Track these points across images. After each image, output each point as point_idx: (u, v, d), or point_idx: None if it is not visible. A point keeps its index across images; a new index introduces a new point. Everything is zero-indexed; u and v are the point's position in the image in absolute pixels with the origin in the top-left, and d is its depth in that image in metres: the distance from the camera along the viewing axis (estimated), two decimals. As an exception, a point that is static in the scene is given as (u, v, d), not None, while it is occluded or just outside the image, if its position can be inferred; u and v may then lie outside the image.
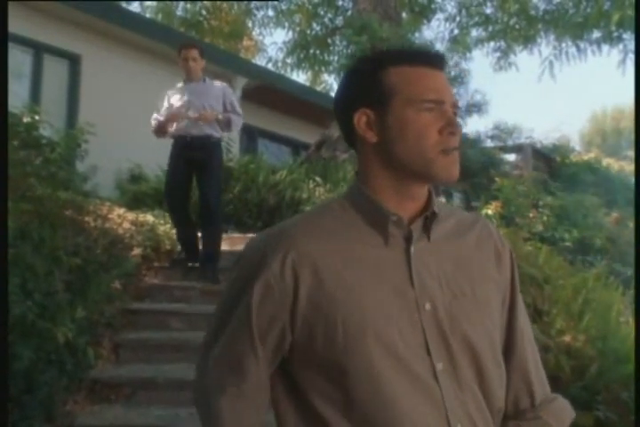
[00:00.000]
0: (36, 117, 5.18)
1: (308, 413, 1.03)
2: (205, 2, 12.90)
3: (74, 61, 7.40)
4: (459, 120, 1.05)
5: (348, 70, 1.13)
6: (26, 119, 5.00)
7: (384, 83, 1.04)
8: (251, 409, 1.05)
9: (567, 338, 3.90)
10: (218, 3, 12.95)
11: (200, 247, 4.93)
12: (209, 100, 4.79)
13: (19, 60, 6.93)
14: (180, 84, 4.96)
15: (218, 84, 4.99)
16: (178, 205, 4.88)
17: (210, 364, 1.08)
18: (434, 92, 1.03)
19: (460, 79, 10.16)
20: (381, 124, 1.04)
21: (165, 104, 4.89)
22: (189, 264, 4.92)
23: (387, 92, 1.04)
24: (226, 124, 4.86)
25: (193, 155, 4.74)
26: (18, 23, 6.47)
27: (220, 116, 4.81)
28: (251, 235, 5.48)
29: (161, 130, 4.83)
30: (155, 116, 4.87)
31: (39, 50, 7.06)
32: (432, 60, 1.06)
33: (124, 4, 11.49)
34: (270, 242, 1.05)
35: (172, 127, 4.80)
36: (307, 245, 1.03)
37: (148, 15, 12.49)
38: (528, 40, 11.16)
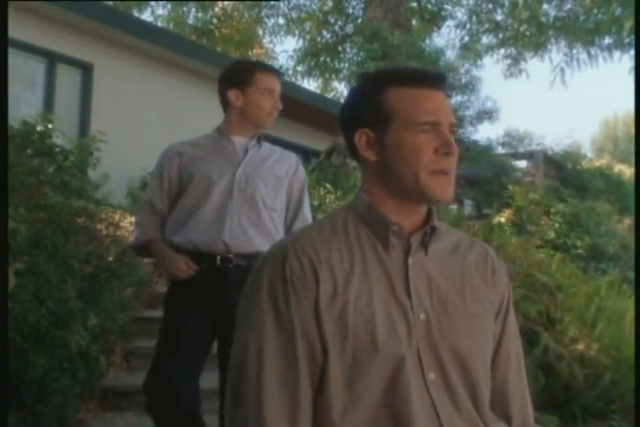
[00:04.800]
0: (50, 126, 5.21)
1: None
2: (217, 10, 13.00)
3: (86, 70, 7.45)
4: (458, 136, 1.06)
5: (352, 87, 1.16)
6: (39, 128, 5.03)
7: (382, 104, 1.06)
8: None
9: (580, 346, 3.87)
10: (229, 11, 13.05)
11: None
12: (265, 179, 2.28)
13: (32, 69, 7.00)
14: (206, 137, 2.38)
15: (281, 153, 2.41)
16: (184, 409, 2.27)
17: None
18: (431, 114, 1.04)
19: (470, 86, 10.15)
20: (380, 145, 1.07)
21: (166, 177, 2.29)
22: None
23: (385, 114, 1.06)
24: None
25: (227, 295, 2.13)
26: (31, 33, 6.55)
27: None
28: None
29: (145, 250, 2.36)
30: (146, 205, 2.33)
31: (52, 59, 7.12)
32: (430, 80, 1.07)
33: (135, 13, 11.62)
34: (287, 244, 1.07)
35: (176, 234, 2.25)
36: (320, 247, 1.05)
37: (159, 24, 12.62)
38: (539, 47, 11.17)
